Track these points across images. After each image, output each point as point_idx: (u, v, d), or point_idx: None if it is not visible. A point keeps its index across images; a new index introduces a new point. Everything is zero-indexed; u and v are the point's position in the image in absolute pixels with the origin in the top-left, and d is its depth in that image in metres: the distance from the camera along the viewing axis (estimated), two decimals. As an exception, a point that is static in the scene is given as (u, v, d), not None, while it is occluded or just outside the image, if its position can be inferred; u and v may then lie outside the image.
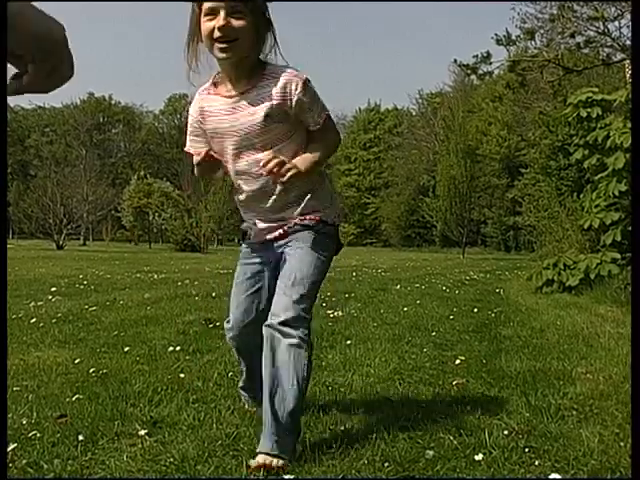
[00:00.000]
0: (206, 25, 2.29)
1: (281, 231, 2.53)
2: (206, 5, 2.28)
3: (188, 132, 2.60)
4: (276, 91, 2.33)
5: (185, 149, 2.62)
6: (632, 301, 2.24)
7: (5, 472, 2.01)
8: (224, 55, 2.30)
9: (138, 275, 12.58)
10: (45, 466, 2.25)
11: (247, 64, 2.37)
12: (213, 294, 8.49)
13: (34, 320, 5.75)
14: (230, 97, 2.41)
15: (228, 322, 2.72)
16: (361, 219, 64.79)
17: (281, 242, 2.54)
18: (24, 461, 2.28)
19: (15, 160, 69.61)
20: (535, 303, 8.13)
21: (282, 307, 2.38)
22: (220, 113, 2.44)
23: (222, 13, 2.24)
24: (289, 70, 2.37)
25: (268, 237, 2.56)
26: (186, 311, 6.68)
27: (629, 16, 15.58)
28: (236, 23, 2.25)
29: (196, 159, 2.44)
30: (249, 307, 2.65)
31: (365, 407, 3.03)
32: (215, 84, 2.48)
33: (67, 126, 75.19)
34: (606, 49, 18.39)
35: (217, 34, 2.25)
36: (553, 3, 17.92)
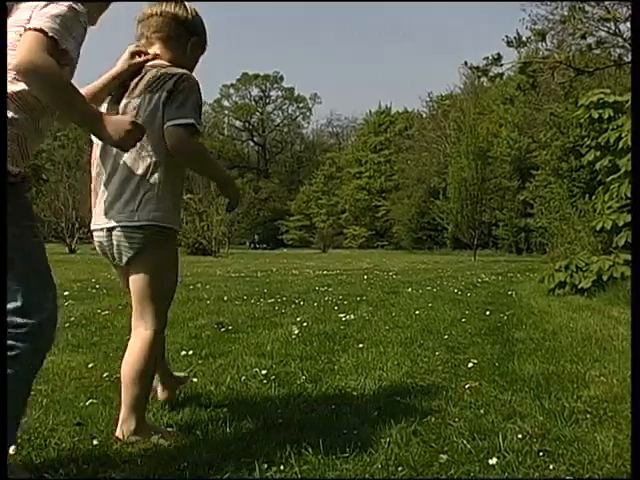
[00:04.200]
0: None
1: None
2: None
3: None
4: None
5: None
6: (632, 300, 2.23)
7: (5, 472, 2.01)
8: None
9: (150, 279, 12.57)
10: (60, 470, 2.26)
11: None
12: (225, 298, 8.50)
13: (47, 324, 5.77)
14: None
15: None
16: (372, 222, 64.61)
17: None
18: (39, 466, 2.29)
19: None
20: (547, 305, 8.09)
21: None
22: None
23: None
24: None
25: None
26: (198, 315, 6.69)
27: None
28: None
29: None
30: None
31: (378, 411, 3.03)
32: None
33: (79, 130, 75.43)
34: (618, 50, 18.31)
35: None
36: (564, 4, 17.87)
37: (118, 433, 2.54)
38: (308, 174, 75.81)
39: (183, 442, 2.56)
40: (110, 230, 2.60)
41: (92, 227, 2.69)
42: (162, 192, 2.56)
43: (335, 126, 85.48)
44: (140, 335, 2.62)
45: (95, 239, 2.70)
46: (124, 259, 2.62)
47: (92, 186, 2.69)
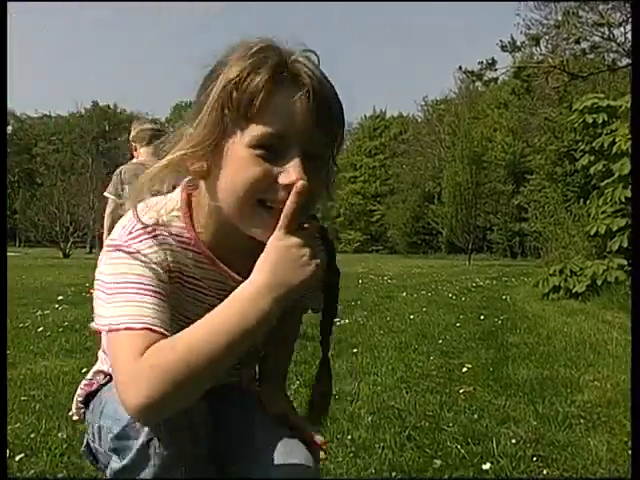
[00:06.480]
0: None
1: None
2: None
3: None
4: None
5: None
6: (632, 299, 2.23)
7: (5, 472, 2.00)
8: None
9: (144, 283, 12.54)
10: (52, 477, 2.24)
11: None
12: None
13: (41, 329, 5.75)
14: None
15: None
16: (367, 226, 64.69)
17: None
18: (32, 471, 2.28)
19: (22, 169, 69.74)
20: (542, 310, 8.10)
21: None
22: None
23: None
24: None
25: None
26: (192, 319, 6.66)
27: (634, 22, 15.58)
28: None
29: None
30: None
31: (372, 416, 3.03)
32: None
33: (73, 134, 75.38)
34: (611, 54, 18.43)
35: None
36: (558, 9, 17.96)
37: None
38: (303, 178, 75.75)
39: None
40: None
41: None
42: None
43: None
44: None
45: None
46: None
47: None
